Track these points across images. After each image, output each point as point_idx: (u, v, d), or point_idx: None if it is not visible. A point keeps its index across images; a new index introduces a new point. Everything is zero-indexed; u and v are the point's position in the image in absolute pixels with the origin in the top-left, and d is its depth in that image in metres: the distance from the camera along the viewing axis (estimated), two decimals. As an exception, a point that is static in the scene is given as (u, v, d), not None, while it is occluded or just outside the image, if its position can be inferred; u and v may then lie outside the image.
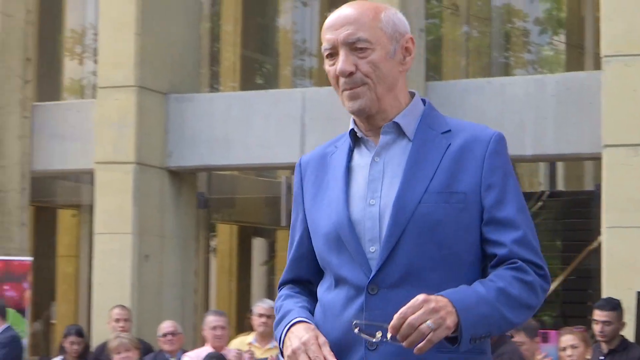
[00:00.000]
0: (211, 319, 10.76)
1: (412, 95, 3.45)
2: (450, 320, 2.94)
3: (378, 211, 3.23)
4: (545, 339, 9.05)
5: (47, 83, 16.87)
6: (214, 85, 16.26)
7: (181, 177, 14.18)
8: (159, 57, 13.86)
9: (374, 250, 3.20)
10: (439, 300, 2.96)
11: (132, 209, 13.22)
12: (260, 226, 18.90)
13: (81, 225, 19.59)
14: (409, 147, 3.28)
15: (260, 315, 10.83)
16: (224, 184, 16.76)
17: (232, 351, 10.38)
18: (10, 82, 14.62)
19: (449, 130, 3.31)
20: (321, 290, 3.38)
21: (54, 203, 20.03)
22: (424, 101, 3.46)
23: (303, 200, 3.48)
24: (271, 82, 17.39)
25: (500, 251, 3.19)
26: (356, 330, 2.96)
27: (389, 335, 2.94)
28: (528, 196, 18.57)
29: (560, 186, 20.12)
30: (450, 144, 3.27)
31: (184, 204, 14.24)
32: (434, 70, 15.81)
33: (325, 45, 3.28)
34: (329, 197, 3.35)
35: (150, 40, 13.69)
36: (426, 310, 2.90)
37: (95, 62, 15.05)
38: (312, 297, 3.44)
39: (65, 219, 20.85)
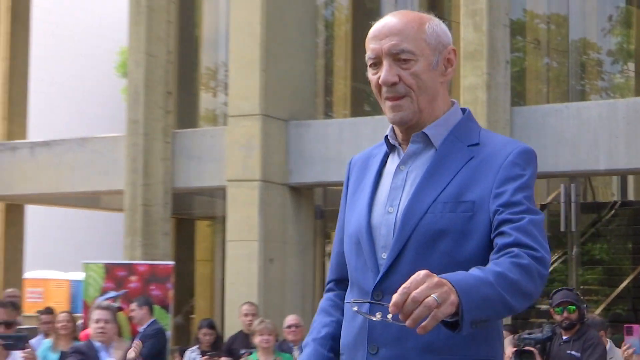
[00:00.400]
0: None
1: (453, 104, 3.10)
2: (454, 297, 2.47)
3: (394, 219, 2.91)
4: (629, 332, 8.67)
5: (186, 113, 16.95)
6: (327, 112, 16.22)
7: (300, 192, 14.15)
8: (281, 90, 13.86)
9: (384, 257, 2.89)
10: (440, 278, 2.53)
11: (258, 220, 13.22)
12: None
13: (215, 234, 19.71)
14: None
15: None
16: (337, 197, 16.70)
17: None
18: (154, 112, 14.72)
19: (477, 144, 2.96)
20: (347, 291, 3.10)
21: (192, 215, 20.19)
22: (464, 110, 3.11)
23: (346, 199, 3.24)
24: (376, 109, 17.28)
25: (500, 240, 2.75)
26: (355, 309, 2.59)
27: (389, 316, 2.46)
28: (602, 206, 18.31)
29: (631, 196, 19.84)
30: (473, 157, 2.92)
31: (303, 215, 14.21)
32: (518, 97, 15.56)
33: (369, 54, 2.98)
34: (360, 199, 3.09)
35: (273, 75, 13.69)
36: (430, 284, 2.43)
37: (226, 94, 15.09)
38: None
39: (201, 228, 21.00)
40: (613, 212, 18.12)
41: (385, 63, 2.92)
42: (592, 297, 17.28)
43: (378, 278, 2.88)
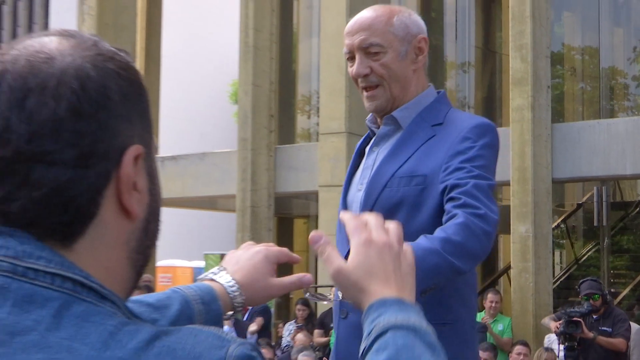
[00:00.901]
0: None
1: (428, 88, 2.82)
2: None
3: (362, 196, 2.68)
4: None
5: (285, 131, 17.08)
6: (400, 130, 16.20)
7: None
8: (362, 111, 13.86)
9: None
10: None
11: (344, 218, 13.27)
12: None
13: (309, 230, 19.78)
14: None
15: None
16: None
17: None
18: (260, 132, 14.86)
19: (441, 123, 2.67)
20: None
21: (291, 215, 20.28)
22: (439, 93, 2.82)
23: None
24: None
25: (448, 205, 2.45)
26: (307, 295, 2.02)
27: (340, 294, 1.99)
28: (629, 204, 18.06)
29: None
30: (434, 135, 2.64)
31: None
32: (558, 115, 15.40)
33: (344, 49, 2.77)
34: (344, 181, 2.87)
35: (356, 100, 13.74)
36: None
37: (318, 116, 15.18)
38: None
39: (298, 225, 21.09)
40: (638, 209, 17.88)
41: (357, 57, 2.71)
42: (620, 280, 17.06)
43: (346, 250, 2.57)
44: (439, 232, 2.36)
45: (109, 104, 1.05)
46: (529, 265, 11.73)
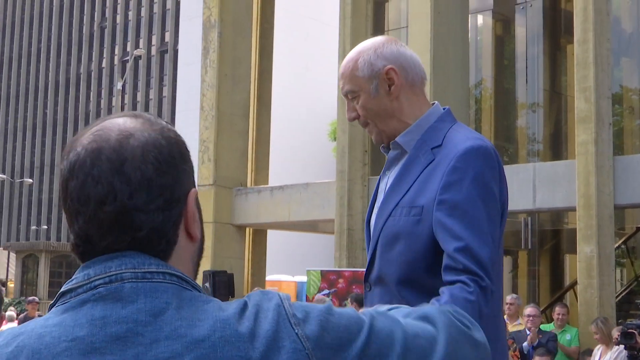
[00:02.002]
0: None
1: (430, 108, 2.54)
2: None
3: (374, 221, 2.50)
4: None
5: (377, 164, 17.05)
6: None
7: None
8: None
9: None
10: None
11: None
12: (507, 249, 18.39)
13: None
14: None
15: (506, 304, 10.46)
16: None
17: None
18: (355, 165, 14.90)
19: (439, 145, 2.39)
20: None
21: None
22: (445, 110, 2.54)
23: None
24: (513, 159, 16.99)
25: (445, 261, 2.22)
26: None
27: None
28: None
29: None
30: (433, 160, 2.37)
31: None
32: (618, 149, 15.02)
33: None
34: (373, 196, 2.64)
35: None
36: None
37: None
38: None
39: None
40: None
41: (346, 103, 2.57)
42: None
43: (366, 273, 2.53)
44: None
45: (175, 162, 1.27)
46: (593, 282, 11.47)
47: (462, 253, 2.18)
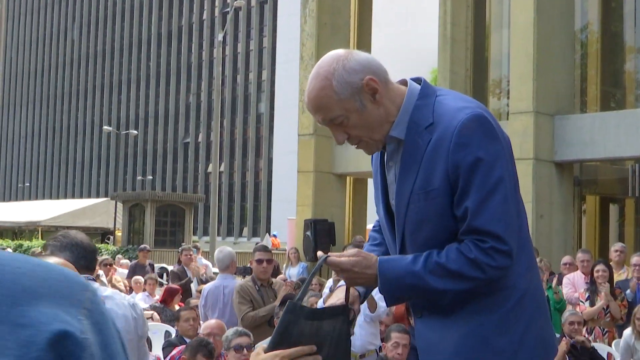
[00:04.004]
0: (580, 255, 10.38)
1: (406, 90, 2.48)
2: (371, 280, 2.38)
3: (395, 213, 2.50)
4: None
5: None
6: (583, 109, 15.70)
7: (563, 166, 13.84)
8: (548, 93, 13.61)
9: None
10: (371, 264, 2.38)
11: (532, 187, 13.07)
12: (614, 196, 18.02)
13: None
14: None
15: (615, 251, 10.31)
16: (591, 170, 16.19)
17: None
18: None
19: (432, 123, 2.38)
20: None
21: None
22: (420, 82, 2.49)
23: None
24: (620, 105, 16.56)
25: (461, 226, 2.35)
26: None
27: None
28: None
29: None
30: (430, 139, 2.37)
31: (565, 183, 13.89)
32: None
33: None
34: (378, 190, 2.63)
35: (542, 83, 13.48)
36: (360, 268, 2.38)
37: (508, 98, 14.97)
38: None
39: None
40: None
41: (330, 129, 2.47)
42: None
43: (397, 249, 2.56)
44: (439, 257, 2.35)
45: None
46: None
47: (467, 228, 2.34)
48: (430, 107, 2.42)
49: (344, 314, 2.39)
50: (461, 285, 2.34)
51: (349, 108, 2.39)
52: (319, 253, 2.55)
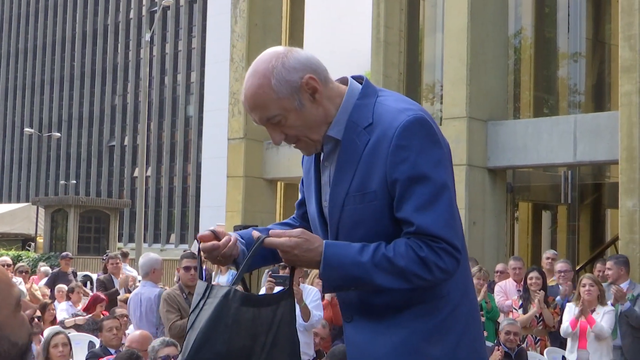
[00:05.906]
0: (512, 263, 10.54)
1: (346, 90, 2.43)
2: (312, 263, 2.30)
3: (327, 214, 2.45)
4: None
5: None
6: (516, 114, 15.92)
7: (496, 173, 14.00)
8: (481, 99, 13.75)
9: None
10: (314, 247, 2.29)
11: (464, 193, 13.17)
12: (547, 203, 18.34)
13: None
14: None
15: (546, 259, 10.44)
16: (524, 176, 16.43)
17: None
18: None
19: (371, 123, 2.33)
20: None
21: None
22: (361, 80, 2.45)
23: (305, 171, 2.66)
24: (553, 111, 16.86)
25: (403, 217, 2.29)
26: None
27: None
28: None
29: None
30: (369, 140, 2.32)
31: (498, 190, 14.05)
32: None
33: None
34: (310, 189, 2.57)
35: (475, 88, 13.60)
36: (301, 248, 2.28)
37: (441, 103, 15.08)
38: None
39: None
40: None
41: (267, 128, 2.42)
42: None
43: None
44: (389, 250, 2.28)
45: None
46: (636, 237, 11.44)
47: (417, 229, 2.28)
48: (371, 107, 2.37)
49: (286, 299, 2.31)
50: (404, 285, 2.29)
51: (287, 107, 2.34)
52: (255, 233, 2.44)
